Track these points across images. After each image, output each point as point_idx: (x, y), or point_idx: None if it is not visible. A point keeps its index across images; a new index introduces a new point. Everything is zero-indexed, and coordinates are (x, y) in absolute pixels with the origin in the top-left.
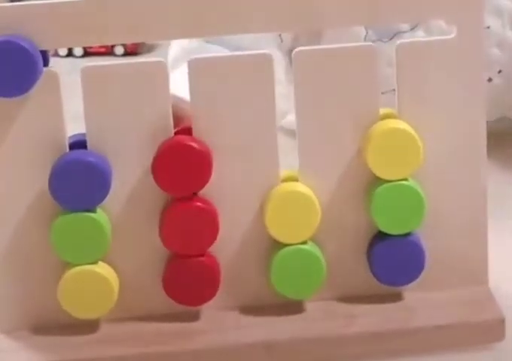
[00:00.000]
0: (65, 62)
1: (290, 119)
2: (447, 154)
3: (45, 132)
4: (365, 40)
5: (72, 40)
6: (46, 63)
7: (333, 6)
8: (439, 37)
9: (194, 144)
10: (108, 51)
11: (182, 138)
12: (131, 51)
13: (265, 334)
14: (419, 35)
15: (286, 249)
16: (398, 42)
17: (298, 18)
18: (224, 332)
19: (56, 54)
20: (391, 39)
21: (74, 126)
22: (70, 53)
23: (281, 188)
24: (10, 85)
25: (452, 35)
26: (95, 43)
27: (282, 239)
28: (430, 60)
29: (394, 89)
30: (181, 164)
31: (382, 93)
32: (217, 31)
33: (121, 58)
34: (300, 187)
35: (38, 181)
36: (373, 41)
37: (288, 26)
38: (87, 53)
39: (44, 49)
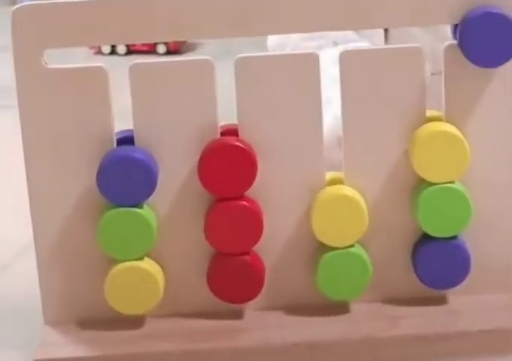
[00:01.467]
0: (109, 60)
1: None
2: (494, 157)
3: (94, 128)
4: None
5: None
6: None
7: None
8: None
9: (240, 145)
10: (151, 49)
11: (228, 139)
12: (173, 50)
13: (309, 334)
14: None
15: (333, 252)
16: (445, 44)
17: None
18: (267, 330)
19: (100, 52)
20: None
21: (118, 122)
22: (113, 51)
23: (328, 192)
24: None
25: None
26: None
27: (329, 243)
28: None
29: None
30: (227, 165)
31: (432, 74)
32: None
33: (164, 56)
34: (346, 191)
35: (86, 176)
36: None
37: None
38: (130, 51)
39: None
